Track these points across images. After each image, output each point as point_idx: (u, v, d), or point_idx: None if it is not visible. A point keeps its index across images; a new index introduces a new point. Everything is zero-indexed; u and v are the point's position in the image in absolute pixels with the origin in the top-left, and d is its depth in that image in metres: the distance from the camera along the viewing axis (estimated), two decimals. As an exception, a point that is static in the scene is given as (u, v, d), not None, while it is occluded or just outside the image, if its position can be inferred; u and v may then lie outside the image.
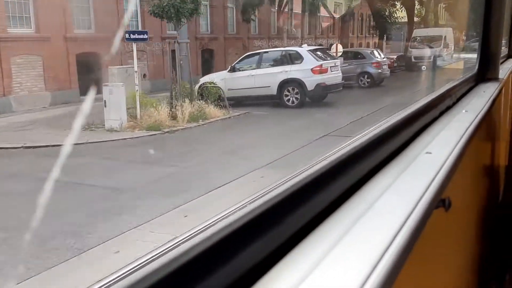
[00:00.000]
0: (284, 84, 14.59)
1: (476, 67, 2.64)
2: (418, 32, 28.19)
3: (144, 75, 16.29)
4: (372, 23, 34.66)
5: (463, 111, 1.75)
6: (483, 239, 2.47)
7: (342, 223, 0.76)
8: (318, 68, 14.74)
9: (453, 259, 1.41)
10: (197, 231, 0.63)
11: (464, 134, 1.37)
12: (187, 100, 12.73)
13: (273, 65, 15.40)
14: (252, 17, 21.96)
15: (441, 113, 1.66)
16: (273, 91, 14.70)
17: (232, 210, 0.70)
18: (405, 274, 0.75)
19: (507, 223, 2.32)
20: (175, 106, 12.32)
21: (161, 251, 0.59)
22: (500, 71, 2.98)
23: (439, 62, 24.57)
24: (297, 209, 0.77)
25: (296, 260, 0.66)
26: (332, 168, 0.89)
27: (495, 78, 2.70)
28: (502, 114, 2.89)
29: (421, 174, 1.00)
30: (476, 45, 2.90)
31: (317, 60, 14.97)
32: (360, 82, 19.50)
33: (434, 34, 27.30)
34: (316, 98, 14.98)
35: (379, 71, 19.63)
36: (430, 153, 1.15)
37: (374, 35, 35.83)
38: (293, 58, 15.34)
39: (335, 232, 0.73)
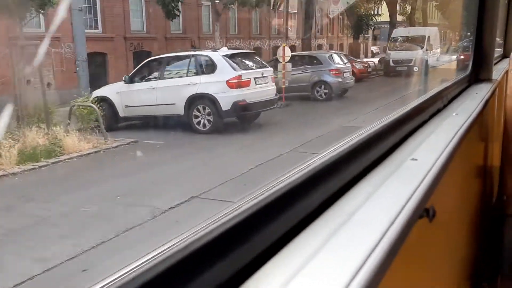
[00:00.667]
0: (193, 101, 10.88)
1: (469, 68, 2.62)
2: (397, 32, 25.56)
3: (49, 84, 12.34)
4: (346, 22, 31.39)
5: (454, 114, 1.72)
6: (476, 242, 2.46)
7: (319, 235, 0.74)
8: (236, 81, 10.97)
9: (440, 267, 1.39)
10: (189, 235, 0.64)
11: (452, 138, 1.34)
12: (45, 126, 8.89)
13: (179, 75, 11.67)
14: (176, 11, 17.64)
15: (431, 116, 1.63)
16: (179, 109, 10.89)
17: (214, 220, 0.68)
18: (386, 286, 0.73)
19: (500, 224, 2.31)
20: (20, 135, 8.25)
21: (159, 251, 0.60)
22: (494, 72, 2.96)
23: (423, 66, 21.96)
24: (275, 219, 0.75)
25: (270, 273, 0.64)
26: (313, 177, 0.87)
27: (488, 79, 2.68)
28: (496, 115, 2.87)
29: (404, 182, 0.98)
30: (469, 46, 2.88)
31: (234, 70, 11.13)
32: (316, 94, 16.01)
33: (416, 34, 24.58)
34: (241, 119, 11.38)
35: (339, 80, 16.10)
36: (416, 159, 1.13)
37: (349, 35, 32.52)
38: (204, 67, 11.50)
39: (312, 244, 0.71)
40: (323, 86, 15.90)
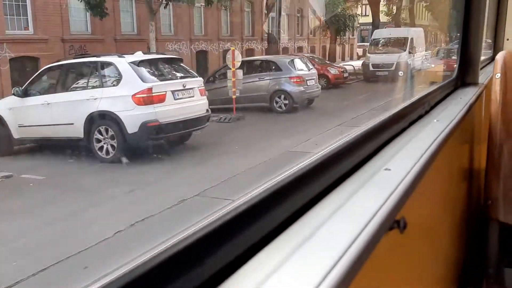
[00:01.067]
0: (94, 121, 8.57)
1: (455, 71, 2.62)
2: (378, 34, 23.75)
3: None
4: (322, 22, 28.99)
5: (435, 120, 1.72)
6: (462, 247, 2.46)
7: (280, 253, 0.73)
8: (144, 95, 8.48)
9: (418, 276, 1.39)
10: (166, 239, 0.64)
11: (430, 146, 1.34)
12: None
13: (79, 88, 9.19)
14: (104, 9, 15.28)
15: (411, 123, 1.63)
16: (78, 131, 8.58)
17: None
18: None
19: (485, 228, 2.31)
20: None
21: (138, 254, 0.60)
22: (482, 75, 2.96)
23: (406, 70, 20.29)
24: (234, 237, 0.74)
25: None
26: (279, 191, 0.86)
27: (474, 83, 2.68)
28: (483, 119, 2.88)
29: (374, 194, 0.97)
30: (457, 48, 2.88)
31: (143, 81, 8.64)
32: (275, 105, 13.80)
33: (398, 36, 22.41)
34: (165, 141, 8.95)
35: (301, 88, 13.76)
36: (389, 169, 1.12)
37: (324, 37, 30.17)
38: (107, 77, 9.06)
39: (271, 263, 0.70)
40: (282, 96, 13.78)
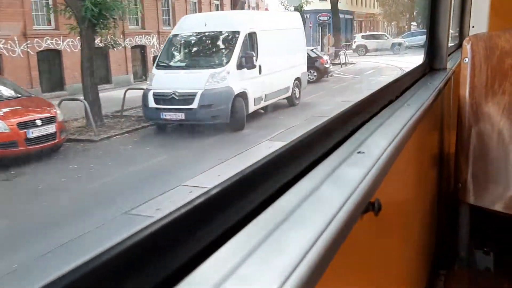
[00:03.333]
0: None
1: (423, 58, 2.64)
2: (184, 24, 13.71)
3: None
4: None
5: (406, 104, 1.73)
6: (433, 230, 2.49)
7: (254, 237, 0.71)
8: None
9: (391, 258, 1.39)
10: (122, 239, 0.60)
11: (402, 129, 1.34)
12: None
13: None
14: None
15: (382, 108, 1.63)
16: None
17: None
18: (327, 283, 0.72)
19: (456, 211, 2.34)
20: None
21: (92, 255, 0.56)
22: (450, 61, 3.01)
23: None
24: (210, 221, 0.72)
25: (203, 276, 0.62)
26: (251, 177, 0.84)
27: (443, 69, 2.71)
28: (451, 103, 2.92)
29: (348, 177, 0.96)
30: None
31: None
32: None
33: (219, 31, 13.16)
34: None
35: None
36: (363, 152, 1.11)
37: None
38: None
39: (245, 247, 0.68)
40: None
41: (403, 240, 1.61)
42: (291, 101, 15.26)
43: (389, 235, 1.34)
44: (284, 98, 14.95)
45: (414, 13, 51.53)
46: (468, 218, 2.34)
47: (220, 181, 0.78)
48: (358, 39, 37.37)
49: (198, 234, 0.69)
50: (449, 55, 3.18)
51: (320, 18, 38.89)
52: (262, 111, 13.84)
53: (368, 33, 42.46)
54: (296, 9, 27.43)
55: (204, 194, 0.73)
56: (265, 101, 13.57)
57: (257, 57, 13.05)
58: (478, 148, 2.25)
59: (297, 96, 15.56)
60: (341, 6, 40.84)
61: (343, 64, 27.17)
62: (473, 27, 3.99)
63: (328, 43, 30.13)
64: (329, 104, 14.64)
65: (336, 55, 28.83)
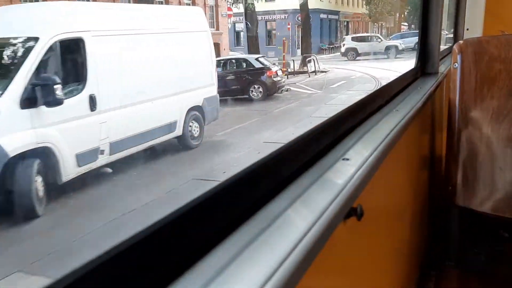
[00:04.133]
0: None
1: (415, 62, 2.69)
2: None
3: None
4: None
5: (394, 110, 1.76)
6: (424, 232, 2.54)
7: (236, 245, 0.75)
8: None
9: (378, 261, 1.43)
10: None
11: (388, 135, 1.38)
12: None
13: None
14: None
15: (371, 114, 1.66)
16: None
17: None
18: (306, 282, 0.76)
19: (446, 214, 2.39)
20: None
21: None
22: (443, 65, 3.05)
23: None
24: (194, 229, 0.76)
25: (194, 276, 0.66)
26: (236, 184, 0.88)
27: (434, 73, 2.76)
28: (444, 107, 2.96)
29: (332, 183, 1.00)
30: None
31: None
32: None
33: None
34: None
35: None
36: (348, 159, 1.15)
37: None
38: None
39: (228, 254, 0.72)
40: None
41: (390, 243, 1.65)
42: (184, 143, 10.04)
43: (374, 239, 1.38)
44: (173, 138, 9.87)
45: (405, 13, 48.70)
46: (458, 219, 2.38)
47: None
48: (348, 42, 33.96)
49: (190, 237, 0.73)
50: (442, 58, 3.22)
51: (299, 18, 33.49)
52: (110, 170, 8.15)
53: (359, 34, 39.56)
54: (247, 8, 23.91)
55: (195, 199, 0.77)
56: (111, 154, 8.06)
57: (85, 81, 7.77)
58: (467, 151, 2.30)
59: (196, 135, 10.33)
60: (324, 5, 38.63)
61: (311, 73, 22.68)
62: (467, 29, 4.03)
63: (284, 49, 24.04)
64: (243, 147, 9.98)
65: (304, 62, 24.08)
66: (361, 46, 32.78)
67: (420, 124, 2.19)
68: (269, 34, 38.50)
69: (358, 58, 31.75)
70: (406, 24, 49.21)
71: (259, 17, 27.30)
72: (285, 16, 36.07)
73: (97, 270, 0.57)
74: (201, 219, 0.77)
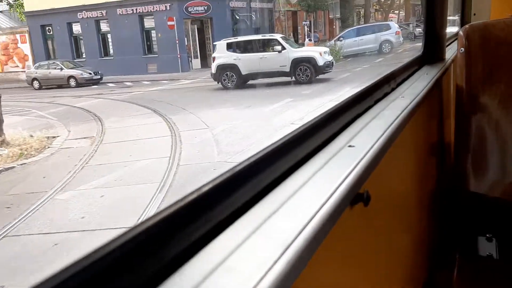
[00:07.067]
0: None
1: (422, 49, 2.67)
2: None
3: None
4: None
5: (400, 97, 1.76)
6: (433, 219, 2.53)
7: (246, 229, 0.76)
8: None
9: (385, 248, 1.44)
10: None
11: (393, 122, 1.38)
12: None
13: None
14: None
15: (377, 101, 1.66)
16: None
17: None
18: (308, 274, 0.76)
19: (456, 200, 2.38)
20: None
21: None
22: (449, 51, 3.03)
23: None
24: (206, 213, 0.77)
25: (192, 269, 0.66)
26: (245, 171, 0.89)
27: (441, 59, 2.74)
28: (452, 93, 2.94)
29: (337, 169, 1.01)
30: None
31: None
32: None
33: None
34: None
35: None
36: (353, 146, 1.16)
37: None
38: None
39: (237, 238, 0.73)
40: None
41: (398, 228, 1.65)
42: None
43: (382, 225, 1.39)
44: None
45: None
46: (469, 205, 2.38)
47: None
48: (221, 53, 19.18)
49: (189, 230, 0.73)
50: (449, 44, 3.20)
51: (188, 9, 23.49)
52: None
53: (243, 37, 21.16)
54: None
55: (198, 189, 0.78)
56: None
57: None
58: (476, 136, 2.29)
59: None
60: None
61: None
62: (474, 14, 3.99)
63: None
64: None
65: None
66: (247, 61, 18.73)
67: (427, 110, 2.18)
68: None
69: (251, 82, 18.89)
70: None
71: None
72: (120, 12, 24.33)
73: (86, 269, 0.55)
74: (206, 208, 0.77)
